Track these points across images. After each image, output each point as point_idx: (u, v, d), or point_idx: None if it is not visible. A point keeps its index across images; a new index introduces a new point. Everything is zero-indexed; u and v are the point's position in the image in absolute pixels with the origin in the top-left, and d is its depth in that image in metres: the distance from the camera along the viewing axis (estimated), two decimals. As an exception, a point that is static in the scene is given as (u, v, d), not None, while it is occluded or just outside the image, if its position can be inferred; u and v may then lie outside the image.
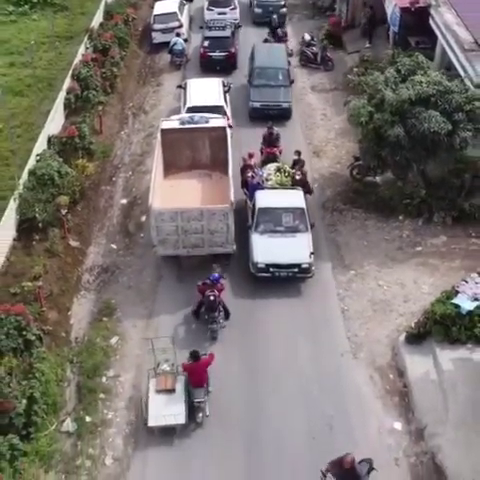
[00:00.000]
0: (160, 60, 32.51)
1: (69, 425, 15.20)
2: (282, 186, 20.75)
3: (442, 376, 15.69)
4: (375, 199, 21.82)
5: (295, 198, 20.09)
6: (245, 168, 21.06)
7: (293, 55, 31.00)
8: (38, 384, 14.52)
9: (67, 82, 26.26)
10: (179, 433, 14.86)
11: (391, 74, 20.55)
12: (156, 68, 31.97)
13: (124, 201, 22.80)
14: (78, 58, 27.93)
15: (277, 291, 18.62)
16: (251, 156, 21.37)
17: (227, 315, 17.48)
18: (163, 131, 20.52)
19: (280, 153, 23.08)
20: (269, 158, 22.68)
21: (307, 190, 20.91)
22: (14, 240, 19.55)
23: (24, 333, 15.47)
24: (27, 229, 19.74)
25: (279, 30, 32.49)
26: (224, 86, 26.11)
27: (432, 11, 25.38)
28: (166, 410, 14.63)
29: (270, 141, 23.19)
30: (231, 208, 17.82)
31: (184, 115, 22.04)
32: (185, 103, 24.68)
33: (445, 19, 24.37)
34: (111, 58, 28.63)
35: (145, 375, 15.75)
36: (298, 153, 22.04)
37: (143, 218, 21.64)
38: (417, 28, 27.21)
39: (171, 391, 15.02)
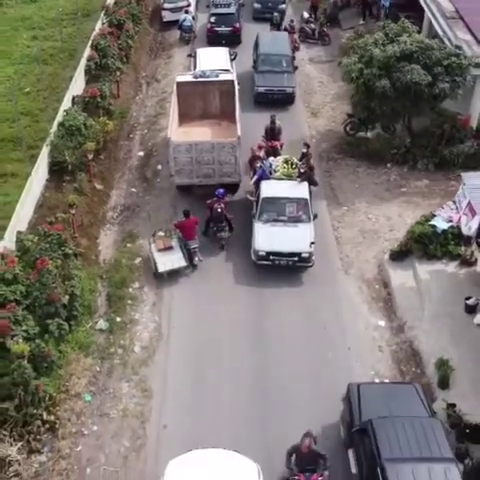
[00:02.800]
0: (170, 36, 35.08)
1: (102, 324, 17.82)
2: (288, 177, 20.96)
3: (420, 284, 18.38)
4: (366, 150, 24.49)
5: (299, 189, 20.44)
6: (254, 159, 21.64)
7: (299, 48, 32.18)
8: (77, 285, 17.12)
9: (87, 52, 28.81)
10: (182, 274, 19.06)
11: (379, 36, 23.19)
12: (166, 43, 34.58)
13: (141, 153, 25.42)
14: (96, 32, 30.50)
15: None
16: (260, 147, 21.93)
17: (231, 228, 20.20)
18: (178, 84, 23.19)
19: (281, 147, 23.25)
20: (270, 152, 22.63)
21: (312, 182, 21.24)
22: (47, 181, 22.17)
23: (63, 248, 18.01)
24: (58, 171, 22.33)
25: (287, 25, 33.21)
26: (230, 55, 28.68)
27: (419, -14, 28.10)
28: (169, 259, 18.89)
29: (272, 135, 23.44)
30: (238, 142, 20.46)
31: (197, 71, 24.63)
32: (195, 68, 27.24)
33: (431, -8, 27.09)
34: (126, 32, 31.16)
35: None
36: (307, 146, 22.33)
37: (159, 166, 24.28)
38: (406, 5, 29.99)
39: (169, 248, 19.12)
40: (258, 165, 21.15)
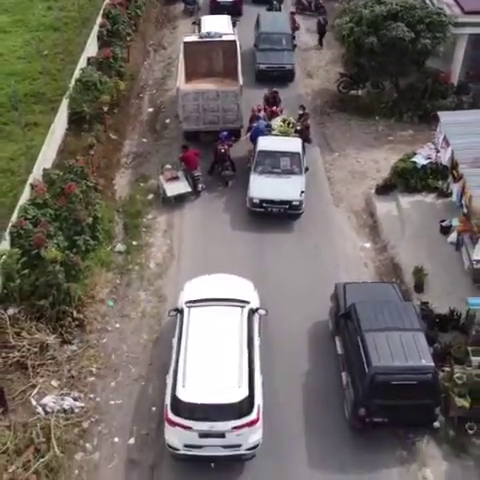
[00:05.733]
0: (175, 9, 37.41)
1: (120, 247, 20.17)
2: (285, 135, 22.69)
3: (401, 212, 20.77)
4: (357, 105, 26.87)
5: (293, 144, 22.12)
6: (253, 118, 23.66)
7: (299, 28, 33.58)
8: (99, 209, 19.46)
9: (99, 19, 31.05)
10: (188, 200, 21.90)
11: (369, -1, 25.49)
12: (171, 15, 36.88)
13: (151, 109, 27.76)
14: (106, 2, 32.72)
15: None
16: (260, 109, 23.99)
17: (234, 168, 22.57)
18: (185, 43, 25.45)
19: (281, 112, 24.87)
20: (272, 116, 24.27)
21: (306, 139, 23.17)
22: (66, 130, 24.47)
23: (84, 182, 20.31)
24: (76, 121, 24.61)
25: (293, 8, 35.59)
26: (232, 22, 30.92)
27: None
28: (176, 186, 21.79)
29: (274, 102, 25.31)
30: (240, 90, 22.87)
31: (202, 32, 26.90)
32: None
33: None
34: (134, 2, 33.42)
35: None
36: (303, 107, 24.42)
37: (167, 120, 26.63)
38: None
39: (176, 178, 22.00)
40: (254, 124, 23.26)
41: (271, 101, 25.49)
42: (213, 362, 13.78)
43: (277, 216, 20.98)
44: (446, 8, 25.16)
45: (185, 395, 13.15)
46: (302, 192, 20.85)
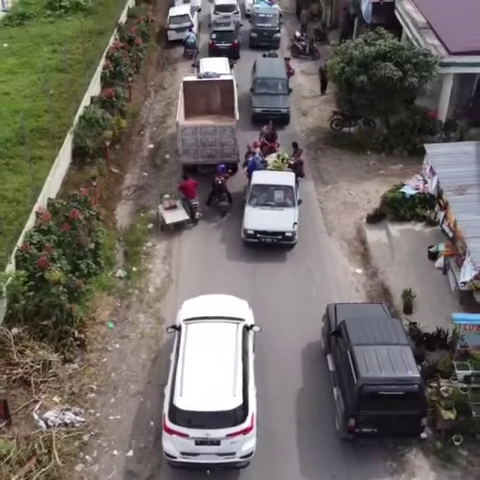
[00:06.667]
0: (175, 53, 38.95)
1: (121, 272, 20.95)
2: (278, 169, 23.78)
3: (391, 240, 21.62)
4: (349, 141, 27.96)
5: (286, 178, 23.07)
6: (249, 153, 24.54)
7: (294, 74, 34.56)
8: (101, 235, 20.29)
9: (102, 62, 32.45)
10: (185, 227, 22.90)
11: (359, 41, 26.84)
12: (172, 58, 38.42)
13: (151, 146, 28.86)
14: (109, 45, 34.20)
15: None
16: (256, 146, 24.85)
17: (230, 199, 23.58)
18: (185, 83, 26.73)
19: (278, 146, 25.99)
20: (270, 151, 25.24)
21: (299, 173, 24.20)
22: (70, 163, 25.49)
23: (87, 210, 21.19)
24: (80, 156, 25.64)
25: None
26: (230, 64, 32.30)
27: (397, 3, 31.89)
28: (175, 214, 22.83)
29: (272, 138, 26.28)
30: (237, 125, 23.95)
31: (201, 72, 28.19)
32: (199, 76, 30.84)
33: (406, 8, 30.80)
34: (136, 46, 34.93)
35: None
36: (295, 145, 25.45)
37: (167, 156, 27.70)
38: (387, 24, 33.47)
39: (174, 207, 23.01)
40: (250, 158, 24.30)
41: (270, 138, 26.47)
42: (209, 373, 14.44)
43: (271, 247, 21.73)
44: (433, 49, 26.44)
45: (182, 403, 13.78)
46: (295, 223, 21.62)
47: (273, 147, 25.98)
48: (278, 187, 22.67)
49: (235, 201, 23.89)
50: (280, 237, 21.51)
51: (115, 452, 15.25)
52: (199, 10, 43.27)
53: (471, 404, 15.01)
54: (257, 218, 21.78)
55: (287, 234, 21.49)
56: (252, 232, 21.60)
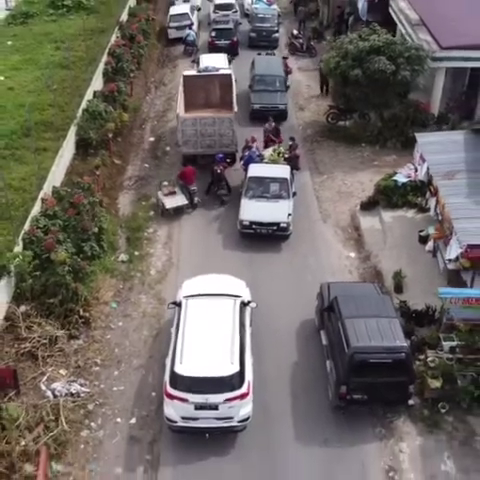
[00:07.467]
0: (175, 50, 39.82)
1: (123, 256, 21.79)
2: (274, 163, 24.48)
3: (384, 226, 22.46)
4: (344, 134, 28.82)
5: (281, 171, 23.65)
6: (246, 147, 25.35)
7: (291, 72, 35.07)
8: (104, 220, 21.10)
9: (104, 58, 33.30)
10: (185, 212, 23.87)
11: (354, 36, 27.70)
12: (172, 56, 39.30)
13: (152, 139, 29.71)
14: (111, 43, 35.06)
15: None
16: (254, 140, 25.55)
17: (229, 189, 24.34)
18: (185, 77, 27.56)
19: (281, 142, 26.43)
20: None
21: (294, 166, 24.89)
22: (74, 154, 26.32)
23: (91, 197, 22.00)
24: (83, 147, 26.46)
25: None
26: (228, 60, 33.17)
27: (391, 1, 32.79)
28: (174, 199, 23.78)
29: (277, 134, 26.94)
30: (235, 117, 24.79)
31: (201, 66, 29.04)
32: (199, 71, 31.68)
33: (400, 6, 31.71)
34: (137, 43, 35.80)
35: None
36: (292, 139, 26.11)
37: (167, 148, 28.55)
38: (382, 21, 34.39)
39: (173, 192, 23.97)
40: (246, 153, 25.09)
41: (274, 133, 27.05)
42: (208, 342, 15.30)
43: (266, 237, 22.44)
44: (425, 44, 27.32)
45: (182, 370, 14.62)
46: (289, 215, 22.28)
47: (280, 142, 26.51)
48: (273, 180, 23.26)
49: (233, 194, 24.62)
50: (275, 228, 22.15)
51: (118, 420, 16.06)
52: (199, 9, 44.18)
53: (456, 373, 15.85)
54: (253, 209, 22.43)
55: (282, 225, 22.14)
56: (248, 223, 22.24)
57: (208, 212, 24.14)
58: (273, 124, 27.42)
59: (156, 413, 16.07)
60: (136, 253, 21.94)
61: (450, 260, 18.11)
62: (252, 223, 22.19)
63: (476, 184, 18.96)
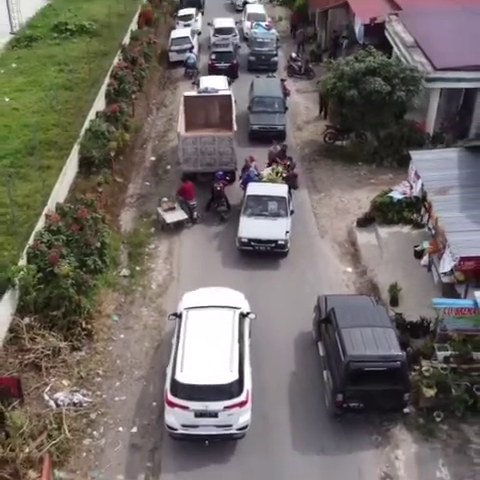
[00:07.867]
0: (176, 73, 40.68)
1: (125, 271, 22.24)
2: (272, 181, 24.89)
3: (380, 241, 22.96)
4: (341, 153, 29.45)
5: (279, 189, 24.10)
6: (245, 167, 25.87)
7: (289, 94, 35.12)
8: (107, 235, 21.59)
9: (107, 80, 34.05)
10: (185, 227, 24.47)
11: (350, 58, 28.46)
12: (173, 78, 40.13)
13: (153, 158, 30.33)
14: (114, 65, 35.85)
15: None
16: (252, 160, 26.06)
17: (229, 206, 24.89)
18: (185, 97, 28.26)
19: (285, 165, 26.24)
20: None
21: (292, 185, 25.45)
22: (77, 173, 26.91)
23: (93, 213, 22.52)
24: (86, 165, 27.07)
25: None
26: (228, 81, 33.91)
27: (386, 24, 33.64)
28: (174, 214, 24.42)
29: (283, 155, 27.18)
30: (234, 135, 25.40)
31: (201, 87, 29.74)
32: (199, 93, 32.39)
33: (396, 29, 32.54)
34: (139, 65, 36.62)
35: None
36: (290, 158, 26.98)
37: (168, 166, 29.15)
38: (378, 44, 35.23)
39: (173, 208, 24.65)
40: (246, 173, 25.80)
41: (281, 156, 27.23)
42: (208, 351, 15.72)
43: (265, 254, 22.82)
44: (420, 66, 28.05)
45: (183, 378, 15.03)
46: (287, 232, 22.68)
47: (285, 164, 26.63)
48: (272, 198, 23.72)
49: (232, 211, 25.10)
50: (273, 245, 22.56)
51: (120, 429, 16.40)
52: (199, 33, 45.20)
53: (450, 383, 16.21)
54: (251, 227, 22.83)
55: (280, 242, 22.54)
56: (246, 240, 22.63)
57: (208, 228, 24.66)
58: (278, 147, 27.65)
59: (157, 422, 16.41)
60: (137, 268, 22.40)
61: (445, 273, 18.55)
62: (250, 240, 22.61)
63: (468, 199, 19.52)
